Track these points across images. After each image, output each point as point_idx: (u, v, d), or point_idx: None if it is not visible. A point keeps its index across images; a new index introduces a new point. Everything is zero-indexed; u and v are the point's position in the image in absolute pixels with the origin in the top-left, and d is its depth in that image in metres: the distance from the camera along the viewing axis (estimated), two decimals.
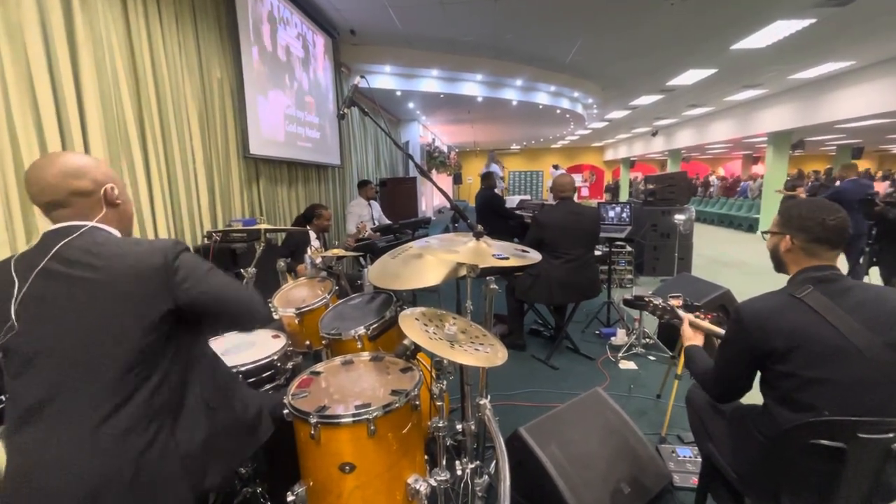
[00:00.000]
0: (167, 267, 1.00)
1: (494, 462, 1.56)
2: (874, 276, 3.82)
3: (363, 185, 5.14)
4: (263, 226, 2.29)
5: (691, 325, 1.65)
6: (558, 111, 9.33)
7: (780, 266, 1.34)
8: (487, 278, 1.59)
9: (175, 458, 1.01)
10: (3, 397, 1.19)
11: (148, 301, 0.98)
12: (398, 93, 7.06)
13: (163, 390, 1.01)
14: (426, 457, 1.46)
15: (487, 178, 5.48)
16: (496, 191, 5.80)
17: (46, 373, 0.95)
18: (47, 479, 0.92)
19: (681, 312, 1.74)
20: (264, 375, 1.64)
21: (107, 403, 0.95)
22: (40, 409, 0.94)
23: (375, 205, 5.23)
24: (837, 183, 5.16)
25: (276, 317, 2.13)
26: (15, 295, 0.94)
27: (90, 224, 1.03)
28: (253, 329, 1.24)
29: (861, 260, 3.79)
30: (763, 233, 1.42)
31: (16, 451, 0.96)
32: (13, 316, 0.93)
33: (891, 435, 1.05)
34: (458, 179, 15.48)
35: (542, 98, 8.33)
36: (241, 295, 1.13)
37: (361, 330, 1.77)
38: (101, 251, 0.99)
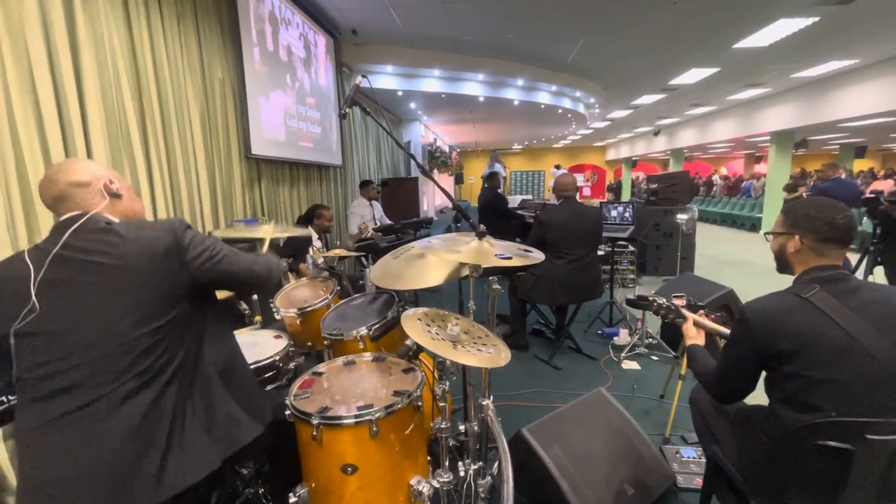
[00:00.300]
0: (179, 245, 1.05)
1: (497, 463, 1.55)
2: (878, 276, 3.79)
3: (365, 185, 5.14)
4: (267, 232, 2.25)
5: (695, 324, 1.64)
6: (560, 111, 9.31)
7: (784, 267, 1.33)
8: (490, 278, 1.58)
9: (198, 431, 1.04)
10: (4, 398, 1.19)
11: (163, 280, 1.02)
12: (399, 93, 7.06)
13: (179, 368, 1.04)
14: (429, 458, 1.45)
15: (491, 178, 5.51)
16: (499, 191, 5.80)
17: (65, 358, 0.96)
18: (70, 470, 0.92)
19: (685, 311, 1.72)
20: (266, 376, 1.64)
21: (126, 386, 0.97)
22: (60, 395, 0.95)
23: (377, 205, 5.23)
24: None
25: (277, 317, 2.13)
26: (33, 280, 0.97)
27: (94, 211, 1.06)
28: (269, 292, 1.31)
29: (865, 259, 3.76)
30: (766, 234, 1.40)
31: (31, 445, 0.95)
32: (34, 298, 0.95)
33: None
34: (459, 179, 15.46)
35: (543, 98, 8.31)
36: (250, 265, 1.20)
37: (363, 330, 1.76)
38: (110, 236, 1.02)
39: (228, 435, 1.09)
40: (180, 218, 1.13)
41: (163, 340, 1.02)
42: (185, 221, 1.11)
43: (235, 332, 1.87)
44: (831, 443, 1.07)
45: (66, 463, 0.93)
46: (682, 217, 4.83)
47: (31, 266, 0.97)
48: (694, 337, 1.60)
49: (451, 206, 1.96)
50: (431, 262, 1.52)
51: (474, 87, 7.38)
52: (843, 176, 10.35)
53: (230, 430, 1.10)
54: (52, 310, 0.97)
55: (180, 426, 1.02)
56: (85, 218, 1.03)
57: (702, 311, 1.73)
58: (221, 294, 2.07)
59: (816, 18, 5.18)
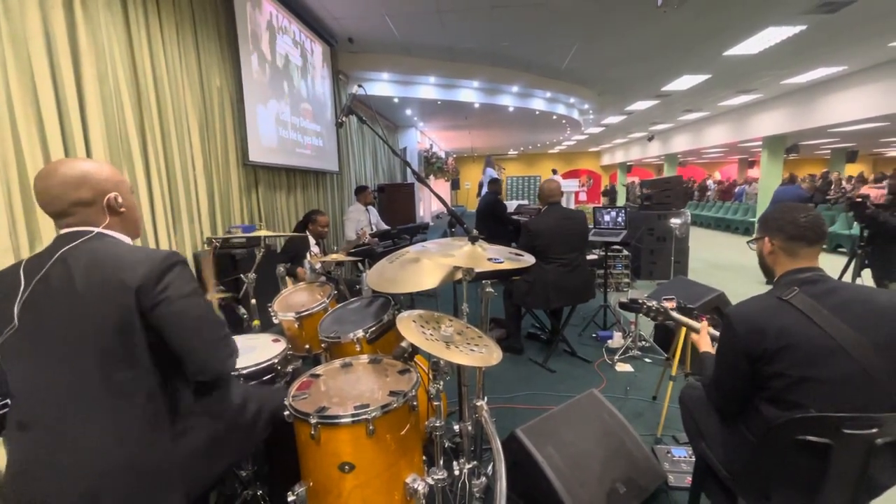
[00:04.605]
0: (149, 276, 1.01)
1: (492, 463, 1.58)
2: (866, 279, 3.87)
3: (360, 190, 5.19)
4: (263, 232, 2.31)
5: (699, 332, 1.69)
6: (554, 117, 9.40)
7: (767, 272, 1.39)
8: (483, 282, 1.62)
9: (173, 462, 1.04)
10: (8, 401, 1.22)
11: (127, 307, 0.99)
12: (396, 100, 7.12)
13: (159, 394, 1.04)
14: (424, 458, 1.48)
15: (494, 184, 5.67)
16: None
17: (43, 373, 0.98)
18: (45, 480, 0.95)
19: (694, 323, 1.76)
20: (265, 379, 1.66)
21: (101, 405, 0.98)
22: (39, 409, 0.98)
23: (373, 210, 5.27)
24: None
25: (275, 321, 2.16)
26: (20, 296, 0.98)
27: (96, 230, 1.06)
28: (203, 379, 1.15)
29: (853, 262, 3.84)
30: (748, 242, 1.47)
31: (16, 453, 0.99)
32: (15, 315, 0.97)
33: (874, 430, 1.08)
34: (455, 185, 15.54)
35: (538, 104, 8.39)
36: (211, 334, 1.10)
37: (360, 333, 1.80)
38: (100, 256, 1.02)
39: (198, 471, 1.11)
40: (172, 251, 1.09)
41: (137, 367, 1.02)
42: (177, 256, 1.07)
43: (235, 337, 1.92)
44: (810, 437, 1.11)
45: (31, 471, 0.96)
46: (675, 221, 4.90)
47: (22, 280, 0.99)
48: (708, 345, 1.63)
49: (446, 211, 2.00)
50: (426, 266, 1.55)
51: (470, 93, 7.45)
52: (840, 180, 10.70)
53: (199, 467, 1.11)
54: (31, 328, 0.98)
55: (154, 457, 1.02)
56: (83, 238, 1.03)
57: (705, 319, 1.78)
58: (219, 297, 2.11)
59: (804, 27, 5.29)
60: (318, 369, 1.57)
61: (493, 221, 5.34)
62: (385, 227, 5.21)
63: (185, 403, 1.10)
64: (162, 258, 1.04)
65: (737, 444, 1.36)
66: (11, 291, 0.99)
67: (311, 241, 3.59)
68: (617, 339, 3.61)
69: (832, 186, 11.56)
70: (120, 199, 1.11)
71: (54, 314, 0.99)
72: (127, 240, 1.13)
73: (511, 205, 7.82)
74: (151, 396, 1.03)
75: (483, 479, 1.53)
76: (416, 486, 1.28)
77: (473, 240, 1.51)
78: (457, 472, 1.47)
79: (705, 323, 1.73)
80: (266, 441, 1.38)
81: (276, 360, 1.70)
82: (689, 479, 1.90)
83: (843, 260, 4.20)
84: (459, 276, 1.47)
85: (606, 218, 4.69)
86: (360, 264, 2.97)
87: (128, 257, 1.03)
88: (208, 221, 3.14)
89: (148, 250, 1.09)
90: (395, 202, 7.74)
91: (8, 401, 1.22)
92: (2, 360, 1.00)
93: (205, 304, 1.12)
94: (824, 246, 1.38)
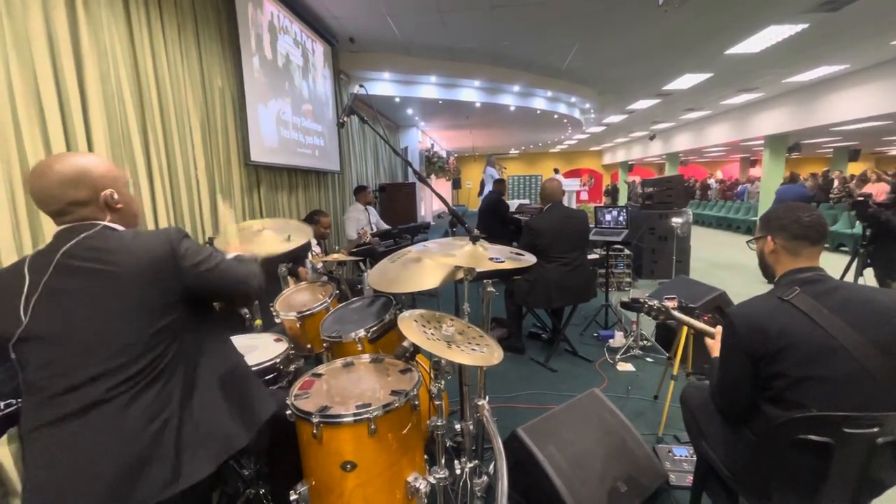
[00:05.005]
0: (174, 254, 1.06)
1: (494, 462, 1.59)
2: (868, 278, 3.86)
3: (360, 190, 5.19)
4: (265, 231, 2.30)
5: (702, 333, 1.68)
6: (556, 116, 9.39)
7: (767, 271, 1.39)
8: (484, 281, 1.63)
9: (195, 437, 1.06)
10: (15, 401, 1.23)
11: (155, 287, 1.03)
12: (397, 99, 7.12)
13: (175, 376, 1.06)
14: (426, 457, 1.49)
15: (499, 184, 5.72)
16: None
17: (62, 365, 0.99)
18: (72, 471, 0.95)
19: (709, 328, 1.75)
20: (267, 378, 1.67)
21: (127, 386, 1.00)
22: (60, 401, 0.98)
23: (372, 210, 5.28)
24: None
25: (277, 321, 2.16)
26: (25, 292, 0.99)
27: (101, 224, 1.07)
28: (250, 304, 1.28)
29: (855, 261, 3.83)
30: (748, 242, 1.47)
31: (35, 453, 0.99)
32: (21, 312, 0.98)
33: (875, 429, 1.08)
34: (456, 184, 15.54)
35: (539, 103, 8.38)
36: (240, 271, 1.21)
37: (361, 332, 1.80)
38: (109, 246, 1.03)
39: (222, 443, 1.12)
40: (178, 227, 1.14)
41: (159, 345, 1.04)
42: (183, 231, 1.12)
43: (237, 336, 1.93)
44: (811, 437, 1.11)
45: (65, 462, 0.96)
46: (676, 220, 4.90)
47: (27, 278, 1.00)
48: None
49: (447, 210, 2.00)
50: (427, 266, 1.56)
51: (471, 93, 7.44)
52: (843, 178, 10.72)
53: (224, 439, 1.12)
54: (51, 315, 0.99)
55: (179, 430, 1.04)
56: (87, 233, 1.04)
57: (707, 318, 1.77)
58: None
59: (805, 25, 5.27)
60: (320, 369, 1.58)
61: (494, 221, 5.35)
62: (385, 226, 5.22)
63: (200, 385, 1.11)
64: (175, 232, 1.10)
65: (738, 443, 1.37)
66: (18, 289, 1.00)
67: (313, 240, 3.60)
68: (618, 339, 3.61)
69: (834, 185, 11.54)
70: (116, 196, 1.12)
71: (63, 310, 1.00)
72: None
73: (512, 204, 7.83)
74: (160, 390, 1.04)
75: (484, 478, 1.54)
76: (417, 484, 1.29)
77: (475, 239, 1.52)
78: (458, 471, 1.48)
79: (720, 328, 1.73)
80: (268, 440, 1.39)
81: (278, 360, 1.70)
82: (690, 478, 1.91)
83: (846, 259, 4.19)
84: (461, 275, 1.47)
85: (608, 217, 4.69)
86: (361, 264, 2.98)
87: (137, 241, 1.06)
88: (210, 221, 3.15)
89: (151, 231, 1.12)
90: (396, 202, 7.74)
91: (12, 401, 1.24)
92: (18, 353, 1.00)
93: (221, 255, 1.19)
94: (826, 245, 1.38)
